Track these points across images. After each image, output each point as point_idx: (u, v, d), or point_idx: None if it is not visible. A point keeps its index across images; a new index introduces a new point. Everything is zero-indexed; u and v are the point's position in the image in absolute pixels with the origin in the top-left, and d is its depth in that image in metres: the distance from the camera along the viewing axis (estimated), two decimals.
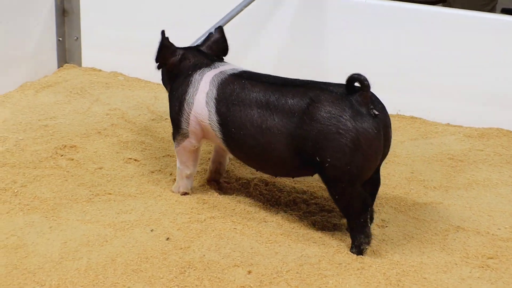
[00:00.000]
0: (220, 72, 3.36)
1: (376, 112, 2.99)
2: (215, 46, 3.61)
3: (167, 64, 3.51)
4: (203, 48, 3.59)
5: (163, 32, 3.48)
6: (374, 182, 3.29)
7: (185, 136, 3.42)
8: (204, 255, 3.06)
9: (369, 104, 2.99)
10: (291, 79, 3.30)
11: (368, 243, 3.13)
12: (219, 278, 2.92)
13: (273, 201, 3.54)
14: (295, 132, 3.08)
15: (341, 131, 2.98)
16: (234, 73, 3.34)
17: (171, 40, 3.50)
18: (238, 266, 3.00)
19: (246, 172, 3.84)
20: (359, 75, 2.94)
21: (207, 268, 2.97)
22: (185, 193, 3.57)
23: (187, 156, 3.49)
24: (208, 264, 3.00)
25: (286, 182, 3.67)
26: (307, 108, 3.06)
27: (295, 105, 3.10)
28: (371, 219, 3.33)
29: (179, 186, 3.58)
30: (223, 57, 3.64)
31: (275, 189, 3.65)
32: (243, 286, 2.88)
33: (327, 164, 3.03)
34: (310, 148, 3.05)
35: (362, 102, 2.99)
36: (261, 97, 3.17)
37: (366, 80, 2.94)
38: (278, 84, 3.22)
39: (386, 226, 3.42)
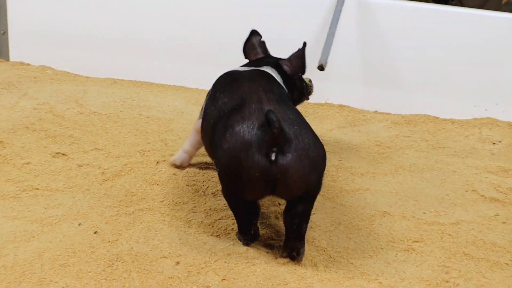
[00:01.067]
0: None
1: (273, 158, 2.84)
2: (294, 61, 3.58)
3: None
4: (282, 60, 3.62)
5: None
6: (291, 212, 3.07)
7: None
8: (132, 248, 3.05)
9: (271, 145, 2.85)
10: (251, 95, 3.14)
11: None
12: (147, 269, 2.91)
13: (201, 192, 3.54)
14: None
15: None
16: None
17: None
18: (166, 258, 3.00)
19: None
20: (268, 113, 2.81)
21: (135, 260, 2.96)
22: (175, 165, 3.71)
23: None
24: (136, 256, 2.99)
25: (214, 172, 3.66)
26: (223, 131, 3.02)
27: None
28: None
29: (175, 158, 3.71)
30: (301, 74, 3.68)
31: (203, 180, 3.65)
32: (171, 277, 2.87)
33: None
34: None
35: (268, 141, 2.86)
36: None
37: (273, 121, 2.78)
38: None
39: (314, 214, 3.44)
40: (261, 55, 3.69)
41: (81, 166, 3.76)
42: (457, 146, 4.37)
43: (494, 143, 4.45)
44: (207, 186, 3.59)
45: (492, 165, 4.14)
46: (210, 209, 3.39)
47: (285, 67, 3.54)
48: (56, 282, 2.81)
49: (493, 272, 3.10)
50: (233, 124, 2.92)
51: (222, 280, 2.88)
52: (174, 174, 3.69)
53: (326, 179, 3.77)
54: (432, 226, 3.41)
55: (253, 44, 3.70)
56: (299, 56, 3.53)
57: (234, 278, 2.90)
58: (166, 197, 3.48)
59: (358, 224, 3.39)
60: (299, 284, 2.89)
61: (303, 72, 3.59)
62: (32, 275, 2.85)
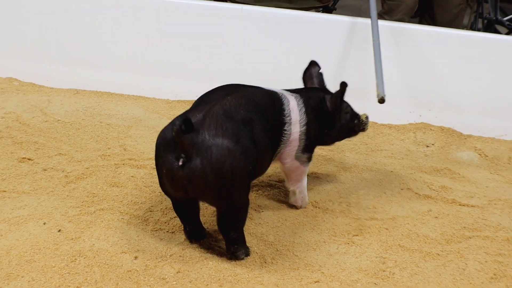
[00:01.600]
0: None
1: (180, 163, 2.85)
2: (332, 99, 3.45)
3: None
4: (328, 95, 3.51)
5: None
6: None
7: None
8: (93, 244, 3.09)
9: (179, 150, 2.86)
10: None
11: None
12: (107, 264, 2.95)
13: (158, 192, 3.58)
14: None
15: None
16: None
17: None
18: (126, 253, 3.04)
19: (132, 165, 3.87)
20: (177, 118, 2.86)
21: (97, 256, 3.00)
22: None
23: None
24: (97, 252, 3.03)
25: None
26: None
27: None
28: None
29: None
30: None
31: None
32: (130, 271, 2.92)
33: None
34: None
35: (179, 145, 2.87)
36: None
37: (173, 125, 2.81)
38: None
39: (262, 211, 3.51)
40: (315, 85, 3.56)
41: (46, 170, 3.78)
42: (394, 149, 4.46)
43: (427, 146, 4.55)
44: None
45: (426, 165, 4.23)
46: (166, 208, 3.43)
47: (328, 103, 3.42)
48: (22, 277, 2.84)
49: (426, 262, 3.18)
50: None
51: (177, 272, 2.93)
52: (132, 176, 3.73)
53: (274, 180, 3.83)
54: (371, 222, 3.49)
55: (311, 74, 3.58)
56: (336, 96, 3.40)
57: (188, 271, 2.95)
58: (125, 197, 3.52)
59: (303, 220, 3.46)
60: (248, 275, 2.95)
61: (335, 112, 3.43)
62: (0, 271, 2.87)
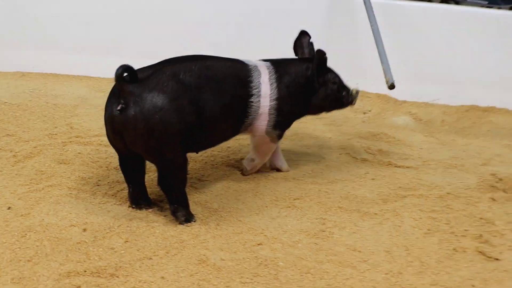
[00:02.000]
0: None
1: (118, 108, 2.90)
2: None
3: None
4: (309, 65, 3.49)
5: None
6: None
7: None
8: (43, 219, 3.07)
9: (120, 97, 2.90)
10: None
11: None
12: (57, 237, 2.94)
13: (104, 167, 3.58)
14: None
15: None
16: None
17: None
18: (74, 226, 3.03)
19: (78, 142, 3.85)
20: (120, 66, 2.86)
21: (46, 230, 2.98)
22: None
23: None
24: (47, 226, 3.01)
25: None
26: None
27: None
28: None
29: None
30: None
31: (106, 156, 3.68)
32: (79, 242, 2.91)
33: None
34: None
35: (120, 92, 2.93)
36: None
37: (116, 73, 2.85)
38: None
39: (207, 180, 3.52)
40: (306, 55, 3.51)
41: None
42: (333, 116, 4.49)
43: (364, 113, 4.61)
44: (110, 161, 3.63)
45: (363, 131, 4.29)
46: (113, 181, 3.43)
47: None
48: None
49: (364, 221, 3.23)
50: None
51: (125, 242, 2.93)
52: (79, 153, 3.72)
53: (214, 151, 3.83)
54: (311, 186, 3.52)
55: (301, 44, 3.53)
56: (313, 64, 3.41)
57: (135, 240, 2.95)
58: (72, 173, 3.50)
59: (246, 186, 3.48)
60: (194, 241, 2.96)
61: (312, 79, 3.42)
62: None
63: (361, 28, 4.88)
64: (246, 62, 3.30)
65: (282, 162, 3.65)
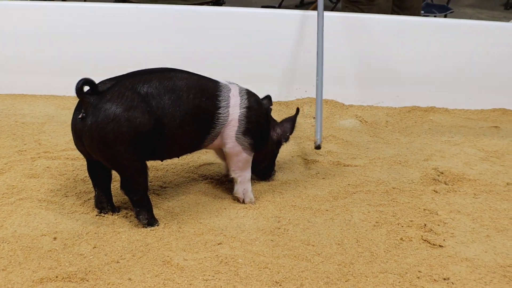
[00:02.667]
0: None
1: (79, 117, 2.96)
2: (286, 124, 3.63)
3: None
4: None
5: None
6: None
7: None
8: (15, 231, 3.06)
9: (81, 107, 2.97)
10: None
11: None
12: (29, 247, 2.94)
13: (72, 179, 3.58)
14: None
15: None
16: None
17: None
18: (45, 235, 3.03)
19: (47, 157, 3.85)
20: (82, 80, 2.91)
21: (19, 241, 2.98)
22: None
23: None
24: (19, 237, 3.01)
25: (83, 161, 3.67)
26: None
27: None
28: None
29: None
30: None
31: (73, 169, 3.68)
32: (50, 250, 2.91)
33: None
34: None
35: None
36: None
37: (77, 83, 2.91)
38: None
39: (168, 187, 3.54)
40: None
41: None
42: None
43: (314, 117, 4.64)
44: (76, 174, 3.63)
45: (313, 135, 4.32)
46: (80, 192, 3.43)
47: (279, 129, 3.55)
48: None
49: (316, 217, 3.27)
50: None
51: (94, 247, 2.94)
52: (48, 167, 3.71)
53: (177, 159, 3.84)
54: (265, 187, 3.56)
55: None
56: (292, 121, 3.55)
57: (103, 245, 2.96)
58: (42, 186, 3.49)
59: (205, 191, 3.51)
60: (158, 244, 2.98)
61: (290, 133, 3.57)
62: None
63: (305, 39, 4.94)
64: (218, 80, 3.30)
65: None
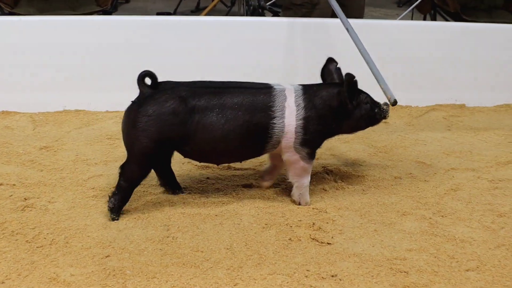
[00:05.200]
0: None
1: (131, 101, 3.27)
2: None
3: None
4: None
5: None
6: None
7: None
8: None
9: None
10: None
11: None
12: None
13: None
14: None
15: None
16: None
17: None
18: None
19: None
20: (149, 72, 3.21)
21: None
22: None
23: None
24: None
25: None
26: None
27: None
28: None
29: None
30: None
31: None
32: None
33: None
34: None
35: None
36: None
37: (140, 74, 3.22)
38: None
39: (55, 202, 3.49)
40: (335, 81, 3.52)
41: None
42: None
43: None
44: None
45: None
46: None
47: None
48: None
49: (205, 223, 3.28)
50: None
51: None
52: None
53: (64, 173, 3.81)
54: (152, 196, 3.56)
55: (329, 71, 3.55)
56: (343, 90, 3.40)
57: None
58: None
59: (93, 204, 3.47)
60: (44, 261, 2.93)
61: (345, 103, 3.43)
62: None
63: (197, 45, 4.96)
64: (274, 87, 3.37)
65: (270, 180, 3.76)
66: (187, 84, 3.28)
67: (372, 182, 3.82)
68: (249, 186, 3.71)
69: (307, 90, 3.40)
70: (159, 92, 3.20)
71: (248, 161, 3.74)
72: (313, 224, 3.29)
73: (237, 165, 3.98)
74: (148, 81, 3.22)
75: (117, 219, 3.27)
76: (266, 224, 3.28)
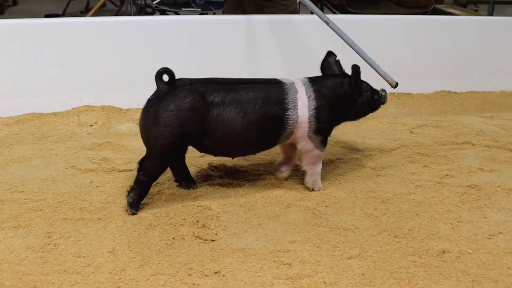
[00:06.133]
0: None
1: (150, 97, 3.36)
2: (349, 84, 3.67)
3: None
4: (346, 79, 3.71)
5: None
6: None
7: None
8: None
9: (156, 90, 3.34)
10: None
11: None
12: None
13: None
14: None
15: None
16: None
17: None
18: None
19: None
20: (167, 69, 3.29)
21: None
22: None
23: None
24: None
25: None
26: None
27: None
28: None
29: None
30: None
31: None
32: None
33: None
34: None
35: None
36: None
37: (160, 68, 3.31)
38: None
39: None
40: (336, 72, 3.72)
41: None
42: (60, 134, 4.48)
43: (90, 125, 4.62)
44: None
45: (88, 143, 4.29)
46: None
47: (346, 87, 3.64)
48: None
49: (88, 228, 3.24)
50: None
51: None
52: None
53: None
54: (34, 203, 3.48)
55: (329, 63, 3.74)
56: (350, 80, 3.62)
57: None
58: None
59: None
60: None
61: (353, 93, 3.64)
62: None
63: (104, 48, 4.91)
64: (283, 81, 3.56)
65: (287, 171, 3.89)
66: (202, 81, 3.41)
67: (257, 177, 3.86)
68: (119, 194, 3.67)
69: (315, 82, 3.60)
70: (178, 88, 3.30)
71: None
72: (197, 221, 3.30)
73: (121, 166, 3.94)
74: (165, 78, 3.32)
75: (136, 214, 3.37)
76: (149, 225, 3.27)
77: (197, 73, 3.53)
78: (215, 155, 3.59)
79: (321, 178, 3.79)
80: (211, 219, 3.35)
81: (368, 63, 3.97)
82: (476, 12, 9.95)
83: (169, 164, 3.48)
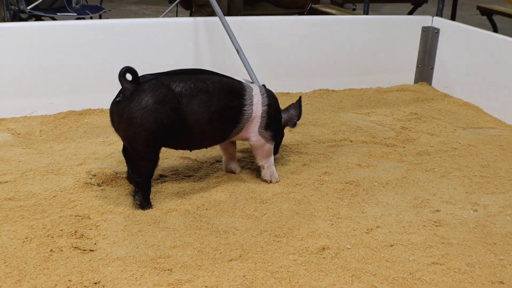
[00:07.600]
0: None
1: (116, 99, 3.38)
2: (293, 111, 4.09)
3: None
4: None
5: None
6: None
7: None
8: None
9: (120, 91, 3.38)
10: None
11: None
12: None
13: None
14: None
15: None
16: None
17: None
18: None
19: None
20: (129, 67, 3.30)
21: None
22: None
23: None
24: None
25: None
26: None
27: None
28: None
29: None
30: None
31: None
32: None
33: None
34: None
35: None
36: None
37: (119, 73, 3.31)
38: None
39: None
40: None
41: None
42: None
43: None
44: None
45: None
46: None
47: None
48: None
49: None
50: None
51: None
52: None
53: None
54: None
55: None
56: (297, 107, 4.04)
57: None
58: None
59: None
60: None
61: (298, 119, 4.03)
62: None
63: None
64: (241, 80, 3.74)
65: (236, 165, 4.09)
66: (165, 73, 3.47)
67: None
68: (7, 200, 3.58)
69: (263, 85, 3.89)
70: (143, 84, 3.34)
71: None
72: (75, 232, 3.26)
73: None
74: (128, 77, 3.34)
75: (150, 208, 3.54)
76: (26, 238, 3.20)
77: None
78: (190, 149, 3.68)
79: (200, 181, 3.80)
80: (90, 229, 3.32)
81: (244, 62, 4.19)
82: (352, 12, 10.21)
83: (158, 158, 3.51)
